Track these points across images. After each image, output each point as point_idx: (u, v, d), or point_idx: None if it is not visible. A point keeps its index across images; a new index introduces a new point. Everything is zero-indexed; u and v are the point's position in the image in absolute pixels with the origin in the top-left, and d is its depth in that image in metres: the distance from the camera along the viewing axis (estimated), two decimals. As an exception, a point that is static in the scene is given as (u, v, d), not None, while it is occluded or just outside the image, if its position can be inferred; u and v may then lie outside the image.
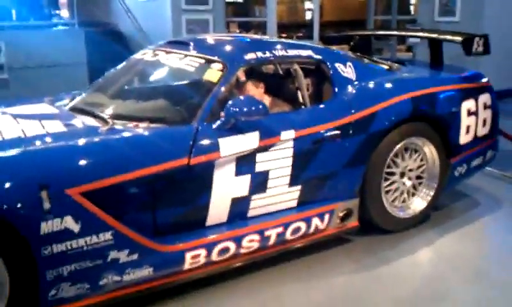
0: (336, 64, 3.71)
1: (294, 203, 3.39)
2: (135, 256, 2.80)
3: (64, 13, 11.08)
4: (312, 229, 3.42)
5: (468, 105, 3.99)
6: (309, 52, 3.70)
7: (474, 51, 4.28)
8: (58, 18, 10.82)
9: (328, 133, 3.40)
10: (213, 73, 3.33)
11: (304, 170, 3.34)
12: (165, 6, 8.68)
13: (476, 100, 4.06)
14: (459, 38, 4.28)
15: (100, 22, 9.79)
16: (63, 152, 2.80)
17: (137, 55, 4.06)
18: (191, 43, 3.78)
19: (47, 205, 2.55)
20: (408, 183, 3.85)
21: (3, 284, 2.56)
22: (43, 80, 7.13)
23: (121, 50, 8.30)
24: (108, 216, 2.71)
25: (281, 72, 3.94)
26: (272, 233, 3.26)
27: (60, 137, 2.95)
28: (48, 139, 2.89)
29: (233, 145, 3.06)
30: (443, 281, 3.27)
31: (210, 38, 4.05)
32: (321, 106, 3.55)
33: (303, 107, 3.52)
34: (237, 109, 3.05)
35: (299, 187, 3.36)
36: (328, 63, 3.69)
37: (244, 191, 3.16)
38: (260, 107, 3.10)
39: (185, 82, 3.72)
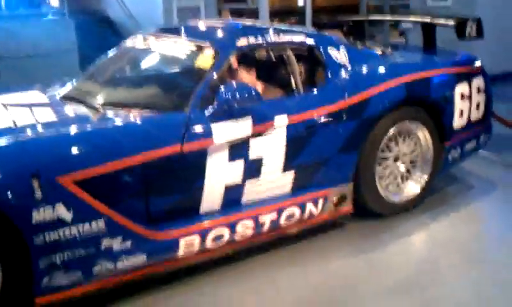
0: (329, 49, 3.69)
1: (288, 189, 3.38)
2: (128, 244, 2.79)
3: (54, 1, 10.98)
4: (306, 215, 3.42)
5: (461, 89, 3.98)
6: (302, 37, 3.68)
7: (467, 35, 4.27)
8: (48, 7, 10.71)
9: (322, 119, 3.38)
10: (205, 60, 3.31)
11: (298, 155, 3.33)
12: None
13: (469, 84, 4.05)
14: (452, 22, 4.26)
15: (91, 10, 9.71)
16: (54, 140, 2.78)
17: (128, 42, 4.02)
18: (183, 30, 3.75)
19: (38, 194, 2.54)
20: (402, 167, 3.85)
21: (-4, 273, 2.54)
22: (33, 69, 7.06)
23: (112, 37, 8.24)
24: (100, 204, 2.70)
25: (273, 58, 3.91)
26: (266, 219, 3.25)
27: (51, 126, 2.93)
28: (39, 128, 2.87)
29: (226, 131, 3.04)
30: (437, 265, 3.27)
31: (201, 24, 4.01)
32: (314, 91, 3.54)
33: (296, 92, 3.50)
34: (230, 95, 3.03)
35: (292, 173, 3.35)
36: (321, 48, 3.66)
37: (237, 177, 3.15)
38: (253, 93, 3.08)
39: (176, 68, 3.69)
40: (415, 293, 2.98)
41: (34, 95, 3.58)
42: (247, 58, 3.64)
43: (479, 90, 4.13)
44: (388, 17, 5.76)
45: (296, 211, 3.36)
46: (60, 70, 6.33)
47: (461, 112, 4.00)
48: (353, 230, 3.67)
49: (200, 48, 3.40)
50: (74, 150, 2.70)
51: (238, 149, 3.10)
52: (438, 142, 3.91)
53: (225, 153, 3.06)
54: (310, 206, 3.42)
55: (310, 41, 3.68)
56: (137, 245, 2.82)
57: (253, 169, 3.19)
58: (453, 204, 4.05)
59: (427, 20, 4.48)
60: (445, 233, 3.65)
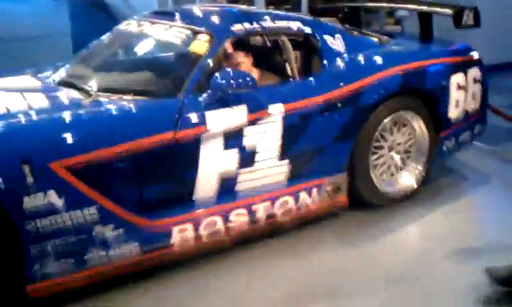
0: (325, 36, 3.65)
1: (282, 178, 3.36)
2: (120, 232, 2.77)
3: (48, -17, 10.83)
4: (299, 204, 3.40)
5: (457, 79, 3.96)
6: (297, 24, 3.63)
7: (464, 24, 4.24)
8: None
9: (317, 107, 3.36)
10: (199, 45, 3.27)
11: (292, 144, 3.30)
12: (151, -24, 8.51)
13: (465, 74, 4.03)
14: (449, 11, 4.23)
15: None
16: (46, 126, 2.73)
17: (122, 27, 3.96)
18: (177, 14, 3.70)
19: (29, 180, 2.51)
20: (396, 157, 3.83)
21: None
22: (25, 52, 6.96)
23: (106, 22, 8.14)
24: (92, 190, 2.67)
25: (269, 44, 3.86)
26: (260, 208, 3.23)
27: (43, 111, 2.88)
28: (30, 113, 2.82)
29: (220, 119, 3.01)
30: (431, 256, 3.25)
31: (196, 9, 3.96)
32: (310, 79, 3.50)
33: (291, 79, 3.46)
34: (225, 82, 3.00)
35: (287, 162, 3.32)
36: (317, 35, 3.63)
37: (231, 166, 3.12)
38: (248, 79, 3.05)
39: (170, 53, 3.66)
40: (409, 283, 2.98)
41: (26, 80, 3.53)
42: (242, 44, 3.59)
43: (475, 80, 4.11)
44: (385, 4, 5.70)
45: (290, 200, 3.34)
46: (53, 54, 6.25)
47: (457, 103, 3.98)
48: (347, 221, 3.64)
49: (194, 33, 3.36)
50: (66, 136, 2.66)
51: (232, 137, 3.07)
52: (433, 132, 3.89)
53: (219, 141, 3.03)
54: (303, 196, 3.40)
55: (306, 28, 3.64)
56: (129, 233, 2.79)
57: (248, 158, 3.16)
58: (448, 195, 4.04)
59: (424, 8, 4.44)
60: (440, 225, 3.64)
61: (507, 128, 5.28)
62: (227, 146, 3.06)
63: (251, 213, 3.21)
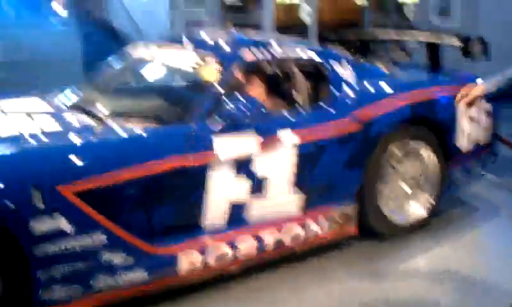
0: (335, 65, 3.66)
1: (294, 208, 3.31)
2: (129, 258, 2.75)
3: (59, 9, 11.00)
4: (309, 234, 3.37)
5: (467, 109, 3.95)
6: (307, 52, 3.65)
7: (472, 54, 4.25)
8: (53, 14, 10.72)
9: (328, 136, 3.34)
10: (209, 71, 3.28)
11: (305, 173, 3.28)
12: (162, 5, 8.63)
13: (475, 105, 4.01)
14: (457, 41, 4.25)
15: (96, 19, 9.72)
16: (56, 150, 2.74)
17: (132, 52, 3.99)
18: (187, 40, 3.72)
19: (39, 204, 2.50)
20: (406, 188, 3.80)
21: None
22: (36, 75, 7.04)
23: (116, 47, 8.23)
24: (101, 216, 2.66)
25: (278, 71, 3.87)
26: (270, 237, 3.21)
27: (53, 135, 2.89)
28: (41, 137, 2.83)
29: (230, 146, 3.01)
30: (439, 289, 3.20)
31: (206, 35, 3.98)
32: (319, 107, 3.50)
33: (301, 107, 3.46)
34: (235, 109, 3.00)
35: (299, 191, 3.30)
36: (327, 64, 3.64)
37: (241, 194, 3.10)
38: (259, 107, 3.05)
39: (180, 80, 3.67)
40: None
41: (35, 102, 3.55)
42: (253, 71, 3.60)
43: (484, 111, 4.11)
44: (394, 36, 5.74)
45: (300, 230, 3.32)
46: (63, 77, 6.30)
47: (467, 134, 3.96)
48: (356, 252, 3.61)
49: (204, 60, 3.37)
50: (76, 160, 2.66)
51: (243, 165, 3.06)
52: (443, 162, 3.87)
53: (229, 169, 3.02)
54: (313, 226, 3.37)
55: (316, 56, 3.65)
56: (137, 260, 2.77)
57: (258, 186, 3.14)
58: (458, 227, 4.00)
59: (433, 39, 4.46)
60: (449, 259, 3.58)
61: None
62: (237, 173, 3.05)
63: (259, 241, 3.18)
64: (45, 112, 3.30)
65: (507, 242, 3.90)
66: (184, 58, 3.48)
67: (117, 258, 2.71)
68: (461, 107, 3.85)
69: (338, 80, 3.62)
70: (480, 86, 3.21)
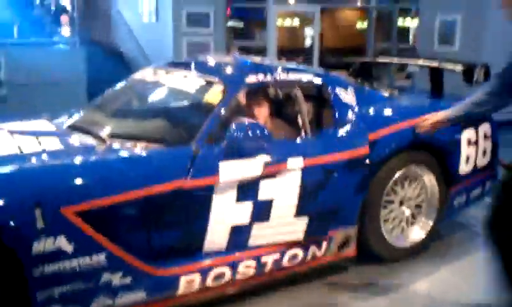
0: (337, 89, 3.69)
1: (297, 232, 3.29)
2: (128, 279, 2.75)
3: (66, 31, 11.15)
4: (309, 257, 3.37)
5: (468, 134, 3.96)
6: (310, 76, 3.68)
7: (475, 81, 4.27)
8: (59, 36, 10.86)
9: (331, 161, 3.34)
10: (213, 95, 3.30)
11: (306, 198, 3.25)
12: (167, 28, 8.73)
13: (476, 130, 4.03)
14: (460, 67, 4.28)
15: (101, 42, 9.84)
16: (59, 170, 2.75)
17: (137, 75, 4.05)
18: (192, 64, 3.77)
19: (40, 224, 2.50)
20: (407, 211, 3.81)
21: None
22: (42, 97, 7.12)
23: (121, 69, 8.32)
24: (102, 237, 2.66)
25: (281, 96, 3.92)
26: (269, 260, 3.20)
27: (56, 155, 2.92)
28: (44, 157, 2.86)
29: (233, 170, 3.00)
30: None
31: (211, 60, 4.04)
32: (323, 132, 3.51)
33: (305, 132, 3.47)
34: (239, 133, 2.99)
35: (302, 216, 3.27)
36: (329, 88, 3.66)
37: (244, 219, 3.09)
38: (263, 132, 3.05)
39: (184, 102, 3.69)
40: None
41: (41, 124, 3.58)
42: (256, 95, 3.64)
43: (485, 136, 4.11)
44: (396, 60, 5.80)
45: (299, 252, 3.32)
46: (69, 99, 6.38)
47: (468, 158, 3.97)
48: (354, 274, 3.60)
49: (208, 83, 3.41)
50: (78, 181, 2.68)
51: (246, 189, 3.05)
52: (444, 187, 3.88)
53: (232, 193, 3.01)
54: (313, 248, 3.37)
55: (318, 81, 3.68)
56: (137, 281, 2.77)
57: (262, 211, 3.13)
58: (457, 251, 3.99)
59: (435, 64, 4.50)
60: (448, 283, 3.57)
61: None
62: (240, 198, 3.04)
63: (260, 264, 3.18)
64: (50, 133, 3.33)
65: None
66: (189, 82, 3.51)
67: (117, 279, 2.71)
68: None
69: (341, 106, 3.63)
70: (443, 112, 3.25)
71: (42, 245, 2.51)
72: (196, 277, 2.96)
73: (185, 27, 8.53)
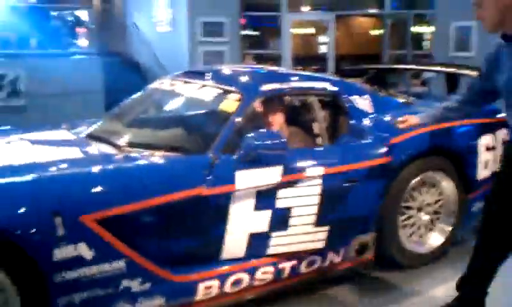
0: (353, 97, 3.69)
1: (316, 241, 3.27)
2: (147, 286, 2.77)
3: (83, 42, 11.29)
4: (327, 263, 3.36)
5: (486, 140, 3.94)
6: (325, 84, 3.69)
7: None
8: (76, 47, 11.00)
9: (349, 169, 3.33)
10: (229, 104, 3.33)
11: (325, 207, 3.24)
12: (182, 37, 8.80)
13: (494, 135, 4.01)
14: (476, 73, 4.25)
15: (118, 52, 9.94)
16: (78, 178, 2.79)
17: (154, 85, 4.09)
18: (208, 74, 3.80)
19: (60, 231, 2.53)
20: (425, 217, 3.79)
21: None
22: (60, 107, 7.22)
23: (138, 79, 8.40)
24: (122, 244, 2.69)
25: (297, 104, 3.93)
26: (287, 266, 3.21)
27: (76, 164, 2.96)
28: (63, 165, 2.90)
29: (250, 178, 3.01)
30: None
31: (227, 69, 4.07)
32: (341, 141, 3.51)
33: (322, 140, 3.47)
34: (256, 142, 3.00)
35: (321, 225, 3.26)
36: (345, 95, 3.67)
37: (262, 227, 3.09)
38: (280, 140, 3.06)
39: (201, 111, 3.73)
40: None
41: (60, 133, 3.64)
42: (272, 104, 3.65)
43: (503, 141, 4.08)
44: (413, 66, 5.80)
45: (317, 258, 3.31)
46: (86, 109, 6.46)
47: (486, 164, 3.94)
48: (373, 281, 3.58)
49: (224, 92, 3.43)
50: (97, 189, 2.71)
51: (263, 198, 3.05)
52: (462, 193, 3.85)
53: (250, 201, 3.02)
54: (331, 254, 3.36)
55: (334, 89, 3.69)
56: (156, 287, 2.79)
57: (280, 220, 3.13)
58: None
59: (451, 70, 4.49)
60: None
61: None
62: (258, 206, 3.05)
63: (278, 270, 3.18)
64: (69, 143, 3.38)
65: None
66: (206, 91, 3.54)
67: (136, 285, 2.74)
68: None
69: (358, 113, 3.63)
70: (417, 117, 3.42)
71: (62, 253, 2.54)
72: (215, 284, 2.98)
73: (200, 36, 8.60)
